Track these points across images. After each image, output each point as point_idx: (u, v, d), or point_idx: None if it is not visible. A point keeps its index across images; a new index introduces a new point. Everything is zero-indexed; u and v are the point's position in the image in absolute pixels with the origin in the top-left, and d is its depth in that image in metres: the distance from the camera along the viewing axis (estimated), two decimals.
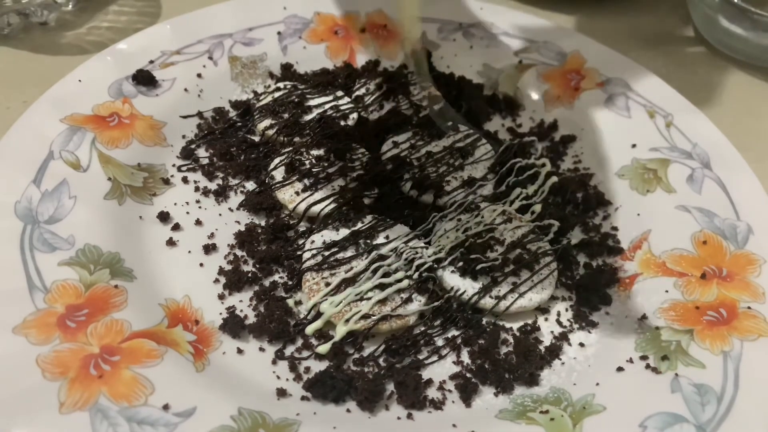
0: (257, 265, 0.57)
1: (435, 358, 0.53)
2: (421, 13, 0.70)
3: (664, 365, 0.51)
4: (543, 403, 0.50)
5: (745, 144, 0.67)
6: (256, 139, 0.67)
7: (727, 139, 0.67)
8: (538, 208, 0.63)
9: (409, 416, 0.49)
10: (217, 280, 0.56)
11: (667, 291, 0.57)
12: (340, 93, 0.71)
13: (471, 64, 0.77)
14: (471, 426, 0.48)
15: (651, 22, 0.90)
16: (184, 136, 0.66)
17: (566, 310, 0.58)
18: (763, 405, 0.48)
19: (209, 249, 0.58)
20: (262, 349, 0.52)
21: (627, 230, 0.63)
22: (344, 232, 0.58)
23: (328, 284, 0.54)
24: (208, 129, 0.67)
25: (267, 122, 0.67)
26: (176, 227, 0.59)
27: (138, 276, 0.54)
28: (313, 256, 0.56)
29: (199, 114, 0.68)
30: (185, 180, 0.63)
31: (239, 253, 0.58)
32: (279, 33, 0.75)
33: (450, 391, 0.51)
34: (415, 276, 0.55)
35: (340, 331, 0.52)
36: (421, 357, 0.53)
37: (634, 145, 0.68)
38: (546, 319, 0.57)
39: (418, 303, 0.54)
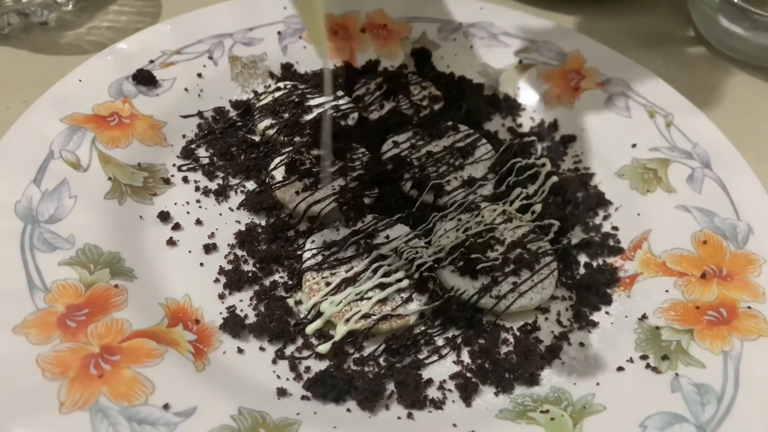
0: (257, 265, 0.57)
1: (435, 357, 0.53)
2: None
3: (665, 365, 0.51)
4: (543, 403, 0.50)
5: (745, 144, 0.67)
6: (257, 138, 0.67)
7: (727, 139, 0.67)
8: (538, 207, 0.63)
9: (410, 416, 0.49)
10: (217, 280, 0.56)
11: (667, 291, 0.57)
12: (340, 93, 0.71)
13: (471, 64, 0.77)
14: (471, 426, 0.48)
15: (651, 22, 0.90)
16: (184, 136, 0.66)
17: (566, 309, 0.58)
18: (763, 405, 0.48)
19: (209, 249, 0.58)
20: (262, 349, 0.52)
21: (627, 230, 0.63)
22: (344, 231, 0.58)
23: (328, 284, 0.54)
24: (208, 129, 0.67)
25: (267, 122, 0.67)
26: (176, 227, 0.59)
27: (138, 275, 0.54)
28: (314, 255, 0.56)
29: (200, 114, 0.68)
30: (185, 180, 0.63)
31: (239, 252, 0.58)
32: (279, 33, 0.75)
33: (450, 390, 0.51)
34: (416, 275, 0.55)
35: (340, 331, 0.52)
36: (421, 356, 0.53)
37: (634, 145, 0.68)
38: (546, 319, 0.57)
39: (418, 302, 0.54)
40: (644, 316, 0.55)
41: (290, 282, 0.56)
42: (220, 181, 0.63)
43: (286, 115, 0.67)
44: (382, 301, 0.54)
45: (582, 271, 0.60)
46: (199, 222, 0.60)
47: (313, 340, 0.53)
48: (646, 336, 0.54)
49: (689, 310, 0.55)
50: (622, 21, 0.89)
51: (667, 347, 0.52)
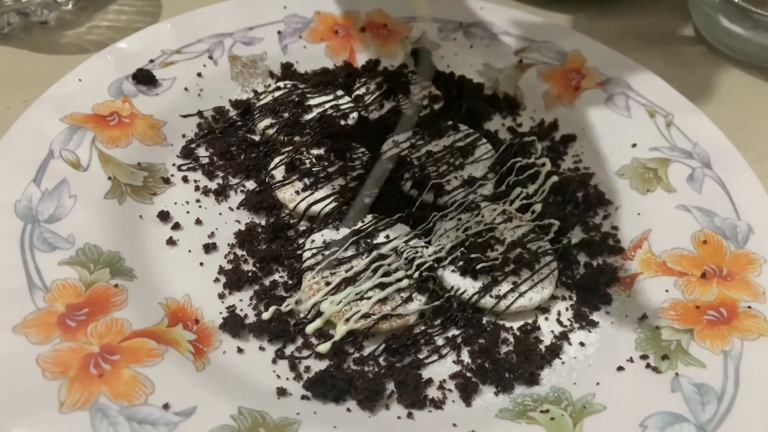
0: (257, 265, 0.57)
1: (435, 357, 0.53)
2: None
3: (665, 365, 0.51)
4: (543, 403, 0.50)
5: (745, 144, 0.67)
6: (257, 138, 0.67)
7: (728, 139, 0.67)
8: (538, 207, 0.63)
9: (410, 415, 0.49)
10: (217, 280, 0.56)
11: (667, 290, 0.57)
12: (340, 92, 0.71)
13: (471, 64, 0.77)
14: (471, 425, 0.48)
15: (651, 21, 0.90)
16: (184, 136, 0.66)
17: (566, 309, 0.58)
18: (763, 404, 0.48)
19: (209, 248, 0.58)
20: (262, 349, 0.52)
21: (627, 230, 0.63)
22: (344, 231, 0.58)
23: (328, 283, 0.54)
24: (208, 128, 0.67)
25: (267, 121, 0.67)
26: (176, 226, 0.59)
27: (138, 275, 0.54)
28: (314, 255, 0.56)
29: (200, 113, 0.68)
30: (185, 179, 0.63)
31: (239, 252, 0.58)
32: (279, 32, 0.75)
33: (450, 390, 0.51)
34: (416, 275, 0.55)
35: (340, 331, 0.52)
36: (421, 356, 0.53)
37: (634, 145, 0.68)
38: (546, 319, 0.57)
39: (418, 302, 0.54)
40: (644, 316, 0.55)
41: (290, 282, 0.56)
42: (220, 181, 0.63)
43: (286, 115, 0.67)
44: (382, 301, 0.54)
45: (582, 270, 0.60)
46: (199, 221, 0.60)
47: (313, 340, 0.53)
48: (646, 336, 0.54)
49: (689, 310, 0.55)
50: (622, 21, 0.89)
51: (667, 347, 0.52)
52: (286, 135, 0.66)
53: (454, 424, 0.48)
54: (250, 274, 0.56)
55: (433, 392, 0.51)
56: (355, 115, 0.69)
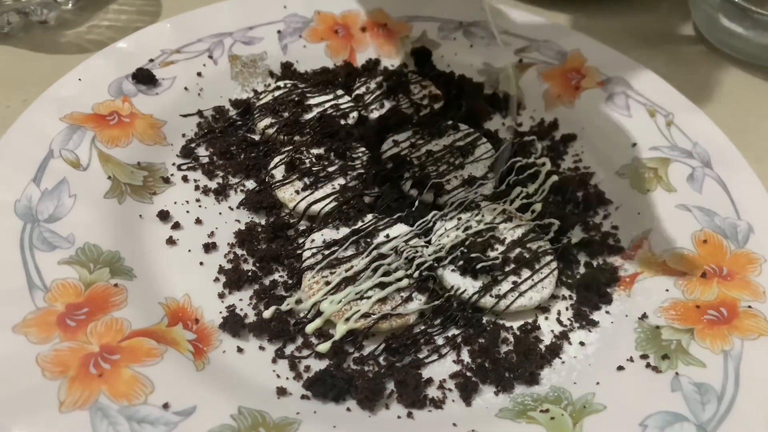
0: (257, 264, 0.57)
1: (435, 356, 0.53)
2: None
3: (665, 364, 0.51)
4: (543, 402, 0.50)
5: (745, 143, 0.67)
6: (256, 137, 0.67)
7: (728, 139, 0.67)
8: (538, 207, 0.63)
9: (410, 415, 0.49)
10: (217, 279, 0.56)
11: (667, 290, 0.56)
12: (340, 92, 0.71)
13: (471, 63, 0.77)
14: (471, 425, 0.48)
15: (651, 21, 0.90)
16: (184, 135, 0.66)
17: (566, 309, 0.58)
18: (763, 404, 0.48)
19: (209, 248, 0.58)
20: (262, 348, 0.52)
21: (627, 229, 0.63)
22: (344, 230, 0.58)
23: (328, 283, 0.54)
24: (208, 128, 0.67)
25: (267, 121, 0.67)
26: (176, 226, 0.59)
27: (138, 275, 0.54)
28: (314, 254, 0.56)
29: (199, 113, 0.68)
30: (185, 179, 0.63)
31: (239, 251, 0.58)
32: (279, 32, 0.75)
33: (450, 390, 0.51)
34: (416, 275, 0.55)
35: (340, 330, 0.52)
36: (421, 356, 0.53)
37: (634, 144, 0.68)
38: (546, 318, 0.57)
39: (418, 302, 0.54)
40: (644, 316, 0.55)
41: (290, 281, 0.56)
42: (220, 180, 0.63)
43: (286, 114, 0.67)
44: (382, 300, 0.54)
45: (582, 270, 0.60)
46: (198, 221, 0.60)
47: (313, 340, 0.53)
48: (647, 335, 0.54)
49: (689, 310, 0.55)
50: (622, 20, 0.89)
51: (667, 346, 0.52)
52: (286, 134, 0.66)
53: (454, 424, 0.48)
54: (250, 273, 0.56)
55: (433, 392, 0.51)
56: (355, 114, 0.69)
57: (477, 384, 0.51)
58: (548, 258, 0.58)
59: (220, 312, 0.54)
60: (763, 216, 0.60)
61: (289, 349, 0.52)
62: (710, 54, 0.85)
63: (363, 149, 0.65)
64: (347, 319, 0.52)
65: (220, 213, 0.61)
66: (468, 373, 0.52)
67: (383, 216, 0.60)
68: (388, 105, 0.70)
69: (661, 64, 0.81)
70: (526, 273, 0.57)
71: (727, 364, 0.50)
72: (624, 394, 0.49)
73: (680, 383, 0.49)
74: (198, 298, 0.54)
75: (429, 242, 0.59)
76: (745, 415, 0.47)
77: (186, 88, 0.68)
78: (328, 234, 0.58)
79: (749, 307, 0.54)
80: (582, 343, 0.55)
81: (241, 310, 0.54)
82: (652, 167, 0.66)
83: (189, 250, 0.57)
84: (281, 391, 0.49)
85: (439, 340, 0.54)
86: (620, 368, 0.52)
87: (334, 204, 0.60)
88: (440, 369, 0.52)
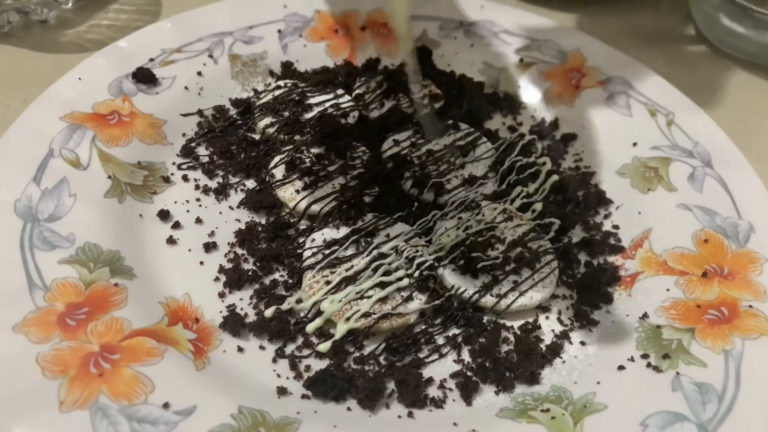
0: (257, 264, 0.57)
1: (436, 356, 0.53)
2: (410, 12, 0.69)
3: (666, 364, 0.51)
4: (544, 402, 0.50)
5: (746, 143, 0.67)
6: (257, 137, 0.67)
7: (729, 138, 0.67)
8: (539, 206, 0.63)
9: (410, 415, 0.49)
10: (217, 279, 0.56)
11: (668, 289, 0.56)
12: (340, 91, 0.71)
13: (472, 63, 0.77)
14: (472, 424, 0.48)
15: (652, 20, 0.90)
16: (184, 134, 0.66)
17: (567, 308, 0.57)
18: (764, 404, 0.48)
19: (209, 247, 0.58)
20: (262, 348, 0.52)
21: (628, 229, 0.62)
22: (345, 230, 0.58)
23: (328, 282, 0.54)
24: (208, 127, 0.67)
25: (267, 120, 0.67)
26: (176, 225, 0.59)
27: (138, 274, 0.54)
28: (314, 254, 0.56)
29: (200, 112, 0.68)
30: (185, 178, 0.63)
31: (239, 251, 0.58)
32: (279, 31, 0.75)
33: (451, 389, 0.51)
34: (416, 274, 0.55)
35: (340, 330, 0.52)
36: (421, 355, 0.53)
37: (635, 144, 0.68)
38: (547, 318, 0.57)
39: (418, 301, 0.54)
40: (645, 315, 0.55)
41: (290, 281, 0.56)
42: (220, 180, 0.63)
43: (287, 114, 0.67)
44: (383, 300, 0.54)
45: (583, 269, 0.60)
46: (199, 220, 0.60)
47: (314, 339, 0.53)
48: (647, 335, 0.54)
49: (690, 309, 0.55)
50: (622, 19, 0.88)
51: (668, 346, 0.52)
52: (287, 134, 0.66)
53: (455, 424, 0.48)
54: (250, 273, 0.56)
55: (433, 391, 0.51)
56: (355, 113, 0.69)
57: (477, 383, 0.51)
58: (549, 257, 0.58)
59: (221, 311, 0.54)
60: (764, 215, 0.60)
61: (290, 348, 0.52)
62: (711, 53, 0.85)
63: (363, 148, 0.65)
64: (348, 319, 0.52)
65: (220, 212, 0.61)
66: (468, 373, 0.52)
67: (384, 215, 0.60)
68: (388, 104, 0.70)
69: (661, 64, 0.80)
70: (526, 272, 0.57)
71: (728, 363, 0.50)
72: (625, 394, 0.49)
73: (681, 383, 0.49)
74: (198, 297, 0.54)
75: (429, 241, 0.59)
76: (746, 415, 0.47)
77: (186, 88, 0.68)
78: (329, 233, 0.58)
79: (750, 306, 0.54)
80: (583, 343, 0.55)
81: (242, 309, 0.54)
82: (652, 167, 0.66)
83: (189, 250, 0.57)
84: (282, 391, 0.49)
85: (440, 340, 0.54)
86: (621, 368, 0.52)
87: (334, 203, 0.60)
88: (441, 368, 0.52)
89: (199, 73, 0.70)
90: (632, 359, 0.52)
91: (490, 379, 0.52)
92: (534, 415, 0.48)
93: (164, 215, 0.59)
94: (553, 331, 0.56)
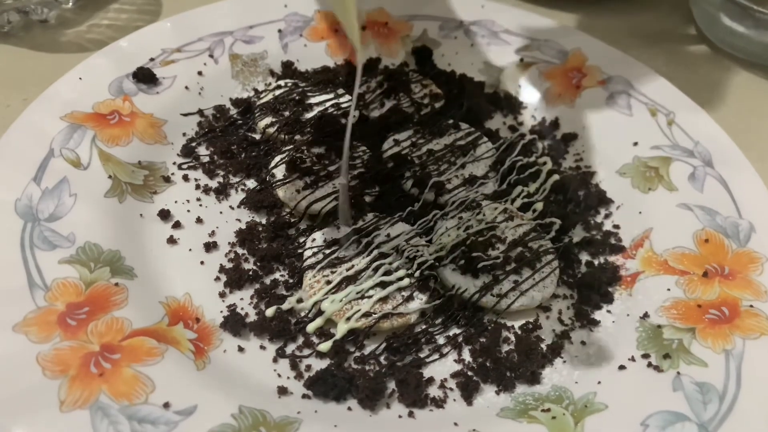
0: (258, 263, 0.57)
1: (436, 356, 0.53)
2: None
3: (666, 363, 0.51)
4: (544, 402, 0.50)
5: (747, 142, 0.67)
6: (257, 137, 0.67)
7: (729, 138, 0.67)
8: (539, 206, 0.63)
9: (411, 414, 0.49)
10: (217, 278, 0.56)
11: (668, 289, 0.56)
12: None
13: (472, 62, 0.77)
14: (472, 424, 0.48)
15: (652, 20, 0.90)
16: (184, 134, 0.66)
17: (568, 308, 0.57)
18: (765, 403, 0.48)
19: (210, 247, 0.58)
20: (263, 347, 0.52)
21: (628, 228, 0.62)
22: (345, 230, 0.58)
23: (329, 282, 0.54)
24: (208, 127, 0.67)
25: (268, 120, 0.67)
26: (177, 225, 0.59)
27: (138, 274, 0.54)
28: (314, 254, 0.56)
29: (200, 112, 0.68)
30: (186, 178, 0.63)
31: (240, 251, 0.58)
32: (280, 31, 0.75)
33: (451, 389, 0.51)
34: (417, 274, 0.55)
35: (341, 329, 0.52)
36: (422, 355, 0.53)
37: (635, 143, 0.68)
38: (547, 318, 0.57)
39: (419, 301, 0.54)
40: (646, 315, 0.55)
41: (291, 280, 0.56)
42: (221, 180, 0.63)
43: (287, 113, 0.67)
44: (383, 300, 0.54)
45: (583, 269, 0.60)
46: (199, 220, 0.60)
47: (314, 339, 0.53)
48: (648, 334, 0.54)
49: (691, 309, 0.55)
50: (623, 19, 0.88)
51: (668, 346, 0.52)
52: (287, 133, 0.66)
53: (456, 423, 0.48)
54: (250, 272, 0.56)
55: (434, 391, 0.51)
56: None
57: (478, 383, 0.51)
58: (549, 257, 0.58)
59: (221, 311, 0.54)
60: (764, 215, 0.60)
61: (290, 348, 0.52)
62: (711, 53, 0.85)
63: (364, 148, 0.65)
64: (348, 319, 0.52)
65: (220, 212, 0.61)
66: (469, 373, 0.52)
67: (384, 215, 0.60)
68: (388, 104, 0.70)
69: (662, 63, 0.81)
70: (527, 272, 0.57)
71: (729, 363, 0.50)
72: (625, 394, 0.49)
73: (682, 383, 0.49)
74: (199, 297, 0.54)
75: (430, 241, 0.59)
76: (747, 415, 0.47)
77: (187, 87, 0.68)
78: (329, 233, 0.58)
79: (751, 306, 0.54)
80: (583, 343, 0.55)
81: (242, 309, 0.54)
82: (653, 166, 0.66)
83: (190, 250, 0.57)
84: (282, 391, 0.49)
85: (440, 340, 0.54)
86: (622, 368, 0.52)
87: (335, 203, 0.60)
88: (441, 368, 0.52)
89: (200, 73, 0.70)
90: (633, 359, 0.52)
91: (490, 378, 0.51)
92: (535, 415, 0.48)
93: (165, 215, 0.59)
94: (553, 330, 0.56)
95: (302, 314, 0.54)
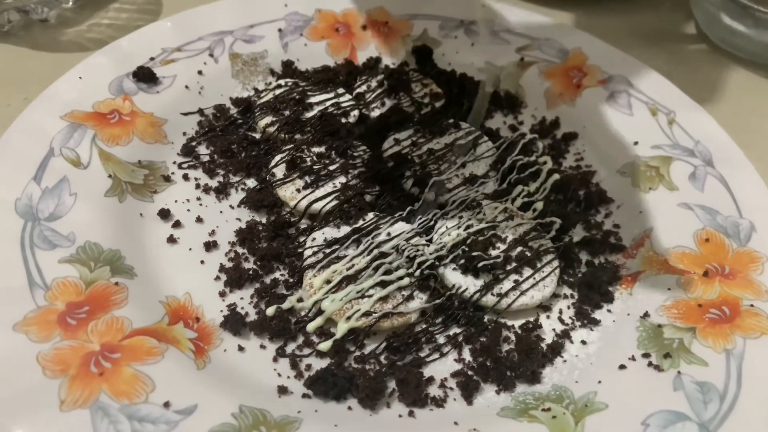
0: (258, 263, 0.57)
1: (436, 355, 0.53)
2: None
3: (667, 363, 0.51)
4: (545, 401, 0.50)
5: (747, 142, 0.67)
6: (257, 136, 0.67)
7: (730, 137, 0.66)
8: (539, 205, 0.63)
9: (411, 414, 0.49)
10: (218, 278, 0.56)
11: (669, 289, 0.56)
12: (341, 90, 0.71)
13: (472, 62, 0.77)
14: (472, 424, 0.48)
15: (653, 19, 0.90)
16: (184, 134, 0.66)
17: (568, 307, 0.57)
18: (765, 403, 0.48)
19: (210, 246, 0.58)
20: (263, 347, 0.52)
21: (629, 228, 0.62)
22: (345, 229, 0.58)
23: (329, 281, 0.54)
24: (208, 126, 0.67)
25: (268, 119, 0.67)
26: (177, 224, 0.59)
27: (138, 273, 0.54)
28: (314, 253, 0.56)
29: (200, 111, 0.68)
30: (186, 177, 0.63)
31: (240, 250, 0.58)
32: (280, 30, 0.75)
33: (451, 388, 0.51)
34: (417, 273, 0.55)
35: (341, 329, 0.52)
36: (422, 354, 0.53)
37: (636, 143, 0.68)
38: (548, 317, 0.57)
39: (419, 300, 0.54)
40: (646, 314, 0.55)
41: (291, 279, 0.56)
42: (221, 179, 0.63)
43: (287, 113, 0.67)
44: (384, 299, 0.53)
45: (584, 269, 0.60)
46: (199, 219, 0.59)
47: (314, 338, 0.53)
48: (648, 334, 0.53)
49: (691, 308, 0.54)
50: (623, 18, 0.88)
51: (669, 345, 0.52)
52: (287, 133, 0.66)
53: (456, 423, 0.48)
54: (250, 272, 0.56)
55: (434, 390, 0.51)
56: (356, 113, 0.69)
57: (478, 383, 0.51)
58: (550, 256, 0.58)
59: (221, 310, 0.53)
60: (765, 214, 0.60)
61: (290, 347, 0.52)
62: (712, 52, 0.85)
63: (364, 147, 0.65)
64: (348, 318, 0.52)
65: (221, 211, 0.61)
66: (469, 372, 0.52)
67: (384, 214, 0.60)
68: (389, 103, 0.70)
69: (662, 63, 0.80)
70: (527, 271, 0.57)
71: (730, 362, 0.50)
72: (626, 393, 0.49)
73: (682, 382, 0.49)
74: (199, 296, 0.54)
75: (430, 241, 0.59)
76: (748, 414, 0.47)
77: (187, 87, 0.68)
78: (329, 232, 0.58)
79: (751, 305, 0.54)
80: (584, 342, 0.55)
81: (242, 308, 0.54)
82: (653, 166, 0.66)
83: (190, 249, 0.57)
84: (282, 390, 0.49)
85: (441, 339, 0.54)
86: (622, 367, 0.52)
87: (335, 202, 0.60)
88: (441, 368, 0.52)
89: (200, 72, 0.70)
90: (633, 358, 0.52)
91: (491, 378, 0.51)
92: (535, 415, 0.48)
93: (165, 214, 0.59)
94: (554, 330, 0.56)
95: (302, 313, 0.54)
